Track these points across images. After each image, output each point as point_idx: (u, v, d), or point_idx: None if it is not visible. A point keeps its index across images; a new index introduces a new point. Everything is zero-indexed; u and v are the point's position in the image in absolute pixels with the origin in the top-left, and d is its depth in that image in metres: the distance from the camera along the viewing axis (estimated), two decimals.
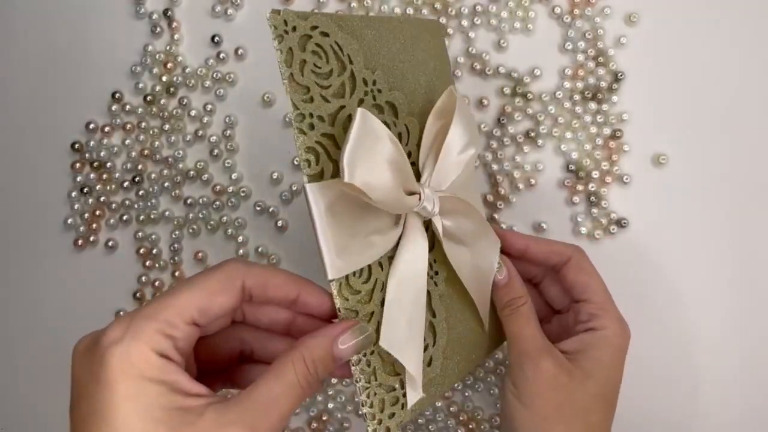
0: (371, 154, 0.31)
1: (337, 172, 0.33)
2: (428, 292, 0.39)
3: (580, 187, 0.52)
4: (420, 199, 0.35)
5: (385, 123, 0.35)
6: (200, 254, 0.53)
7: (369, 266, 0.34)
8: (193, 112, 0.52)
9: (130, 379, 0.27)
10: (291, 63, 0.32)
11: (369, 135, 0.31)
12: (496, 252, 0.42)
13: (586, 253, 0.45)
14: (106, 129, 0.53)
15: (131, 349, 0.27)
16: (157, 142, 0.53)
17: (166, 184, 0.53)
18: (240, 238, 0.53)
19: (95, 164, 0.53)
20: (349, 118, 0.33)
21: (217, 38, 0.53)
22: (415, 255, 0.36)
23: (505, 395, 0.42)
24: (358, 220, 0.33)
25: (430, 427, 0.53)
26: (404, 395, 0.35)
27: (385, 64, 0.37)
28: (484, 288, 0.42)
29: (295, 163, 0.52)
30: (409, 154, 0.38)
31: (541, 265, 0.46)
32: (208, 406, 0.28)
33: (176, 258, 0.53)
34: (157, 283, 0.53)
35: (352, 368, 0.33)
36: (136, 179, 0.53)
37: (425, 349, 0.38)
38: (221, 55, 0.52)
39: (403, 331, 0.34)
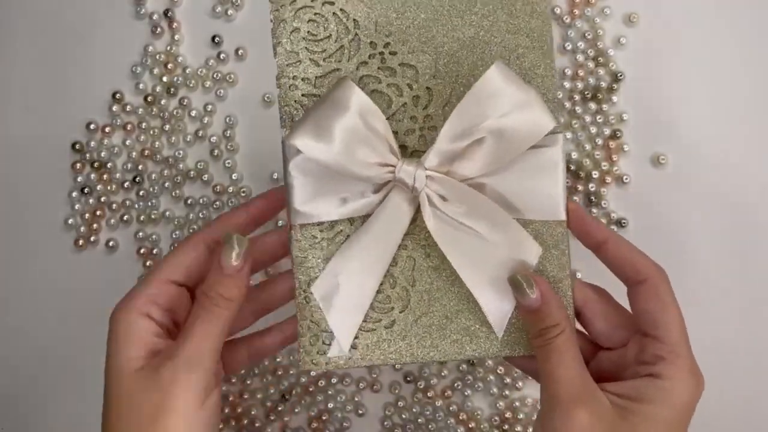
0: (324, 121, 0.34)
1: None
2: (414, 259, 0.38)
3: (579, 187, 0.52)
4: (393, 174, 0.36)
5: (397, 86, 0.37)
6: None
7: (336, 220, 0.38)
8: (193, 113, 0.53)
9: (115, 338, 0.36)
10: (281, 33, 0.37)
11: (333, 103, 0.35)
12: (524, 257, 0.37)
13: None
14: (107, 129, 0.53)
15: (117, 314, 0.37)
16: (157, 143, 0.53)
17: (166, 184, 0.53)
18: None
19: (95, 164, 0.53)
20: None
21: (217, 38, 0.53)
22: (386, 225, 0.37)
23: None
24: (331, 180, 0.37)
25: (430, 426, 0.53)
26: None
27: (413, 26, 0.37)
28: (496, 287, 0.37)
29: None
30: (428, 117, 0.37)
31: (611, 270, 0.38)
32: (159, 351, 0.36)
33: None
34: None
35: (295, 301, 0.38)
36: (137, 179, 0.53)
37: (389, 311, 0.38)
38: (221, 56, 0.52)
39: (345, 288, 0.37)
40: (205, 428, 0.35)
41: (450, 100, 0.37)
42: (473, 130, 0.34)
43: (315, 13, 0.37)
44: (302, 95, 0.37)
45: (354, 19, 0.37)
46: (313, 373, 0.53)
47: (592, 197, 0.52)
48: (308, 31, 0.37)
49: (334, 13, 0.37)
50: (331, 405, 0.53)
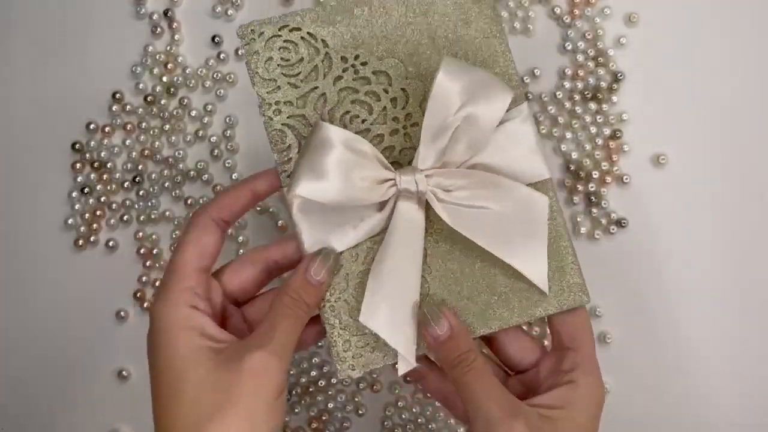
0: (317, 164, 0.36)
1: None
2: (425, 249, 0.39)
3: (579, 187, 0.52)
4: (395, 187, 0.37)
5: (374, 93, 0.39)
6: None
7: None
8: (193, 113, 0.53)
9: (174, 331, 0.36)
10: (256, 64, 0.39)
11: (317, 145, 0.36)
12: (534, 211, 0.39)
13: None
14: (107, 129, 0.53)
15: (172, 311, 0.37)
16: (157, 143, 0.53)
17: (166, 184, 0.53)
18: (240, 238, 0.53)
19: (95, 164, 0.53)
20: (322, 98, 0.39)
21: (217, 38, 0.53)
22: (405, 235, 0.38)
23: None
24: (335, 214, 0.38)
25: (430, 426, 0.53)
26: (375, 340, 0.39)
27: (376, 35, 0.39)
28: (526, 250, 0.38)
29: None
30: (409, 116, 0.39)
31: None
32: (228, 345, 0.36)
33: None
34: (157, 283, 0.53)
35: (321, 311, 0.39)
36: (137, 179, 0.53)
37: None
38: (221, 56, 0.52)
39: (388, 308, 0.37)
40: (279, 417, 0.36)
41: (426, 96, 0.39)
42: (445, 125, 0.37)
43: (284, 41, 0.39)
44: (288, 117, 0.39)
45: (322, 40, 0.39)
46: (313, 373, 0.53)
47: (592, 197, 0.52)
48: (281, 58, 0.39)
49: (302, 38, 0.39)
50: (331, 405, 0.53)
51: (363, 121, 0.39)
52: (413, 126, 0.39)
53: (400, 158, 0.39)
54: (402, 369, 0.38)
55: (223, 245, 0.40)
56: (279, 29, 0.39)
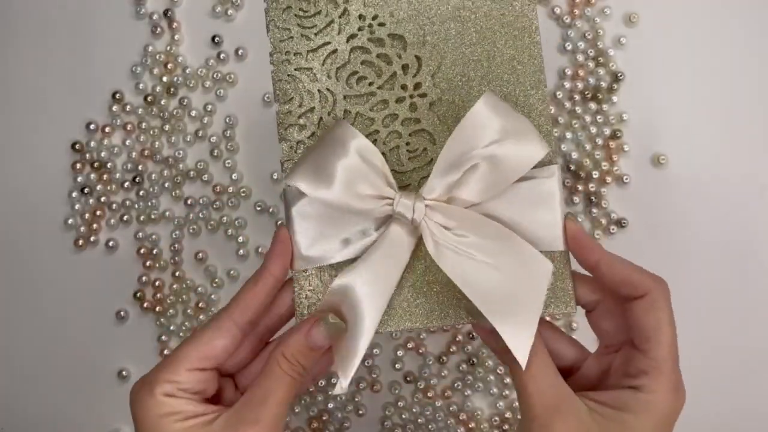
0: (323, 161, 0.35)
1: (310, 100, 0.39)
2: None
3: (579, 187, 0.52)
4: (392, 205, 0.36)
5: (386, 56, 0.39)
6: (200, 254, 0.53)
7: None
8: (193, 112, 0.53)
9: (148, 418, 0.35)
10: (274, 11, 0.39)
11: (332, 144, 0.36)
12: (536, 275, 0.35)
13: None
14: (107, 129, 0.53)
15: (145, 397, 0.36)
16: (157, 142, 0.53)
17: (166, 184, 0.53)
18: (240, 238, 0.53)
19: (95, 164, 0.53)
20: (334, 54, 0.39)
21: (217, 38, 0.53)
22: (386, 257, 0.36)
23: None
24: (332, 222, 0.37)
25: (430, 426, 0.53)
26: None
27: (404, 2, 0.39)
28: (513, 313, 0.35)
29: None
30: (418, 85, 0.39)
31: (608, 290, 0.38)
32: (217, 416, 0.35)
33: (176, 258, 0.53)
34: (157, 283, 0.53)
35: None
36: (137, 179, 0.53)
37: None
38: (221, 56, 0.52)
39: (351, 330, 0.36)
40: None
41: (439, 70, 0.39)
42: (466, 158, 0.35)
43: None
44: (295, 69, 0.39)
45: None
46: None
47: (592, 197, 0.52)
48: (299, 8, 0.39)
49: None
50: (331, 405, 0.53)
51: (370, 84, 0.39)
52: (421, 96, 0.39)
53: (402, 129, 0.39)
54: (339, 389, 0.36)
55: (241, 345, 0.38)
56: None
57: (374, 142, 0.38)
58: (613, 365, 0.37)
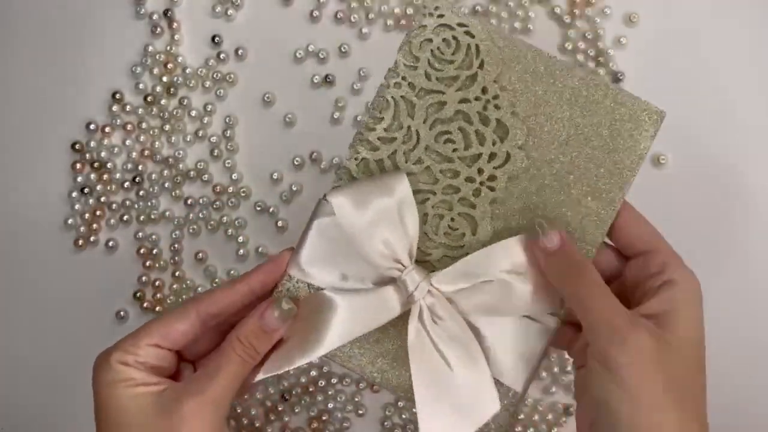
0: (366, 195, 0.37)
1: (397, 130, 0.39)
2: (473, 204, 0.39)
3: None
4: (398, 276, 0.37)
5: (482, 136, 0.39)
6: (200, 254, 0.53)
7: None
8: (193, 112, 0.53)
9: (102, 384, 0.37)
10: (416, 36, 0.39)
11: (381, 184, 0.37)
12: (482, 404, 0.38)
13: None
14: (107, 129, 0.53)
15: (101, 365, 0.38)
16: (157, 142, 0.53)
17: (166, 184, 0.53)
18: (240, 238, 0.53)
19: (95, 164, 0.53)
20: (441, 104, 0.39)
21: (217, 38, 0.53)
22: (368, 312, 0.37)
23: (600, 385, 0.34)
24: (341, 254, 0.38)
25: None
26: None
27: (526, 92, 0.39)
28: (448, 417, 0.37)
29: (296, 163, 0.52)
30: (492, 178, 0.39)
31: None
32: (167, 387, 0.36)
33: (176, 258, 0.53)
34: (157, 283, 0.53)
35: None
36: (137, 179, 0.53)
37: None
38: (221, 55, 0.52)
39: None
40: None
41: (518, 177, 0.39)
42: (483, 272, 0.37)
43: (453, 36, 0.38)
44: (401, 96, 0.39)
45: (482, 60, 0.38)
46: (313, 373, 0.53)
47: None
48: (438, 47, 0.39)
49: (468, 45, 0.38)
50: (331, 405, 0.53)
51: (454, 150, 0.39)
52: (489, 189, 0.39)
53: (455, 205, 0.39)
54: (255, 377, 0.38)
55: (199, 336, 0.39)
56: (458, 24, 0.39)
57: (425, 200, 0.39)
58: (625, 285, 0.38)
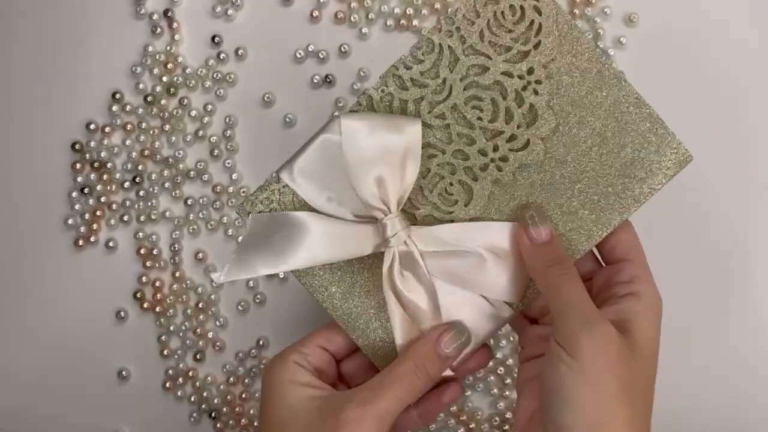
0: (379, 128, 0.36)
1: (433, 78, 0.38)
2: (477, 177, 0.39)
3: None
4: (380, 218, 0.37)
5: (511, 113, 0.38)
6: (200, 254, 0.53)
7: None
8: (193, 112, 0.53)
9: (277, 380, 0.38)
10: None
11: (394, 123, 0.37)
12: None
13: None
14: (107, 129, 0.53)
15: (278, 363, 0.39)
16: (157, 142, 0.53)
17: (166, 184, 0.53)
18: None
19: (95, 164, 0.53)
20: (483, 69, 0.37)
21: (217, 38, 0.53)
22: (337, 244, 0.38)
23: (559, 370, 0.34)
24: (333, 174, 0.38)
25: (430, 426, 0.53)
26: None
27: (565, 85, 0.38)
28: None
29: None
30: (504, 159, 0.38)
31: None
32: (332, 393, 0.38)
33: (176, 258, 0.53)
34: (157, 283, 0.53)
35: None
36: (137, 179, 0.53)
37: (453, 204, 0.39)
38: (221, 56, 0.52)
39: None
40: None
41: (530, 165, 0.38)
42: (467, 244, 0.38)
43: (520, 6, 0.37)
44: (449, 46, 0.37)
45: (540, 40, 0.37)
46: None
47: None
48: (502, 12, 0.37)
49: (532, 21, 0.37)
50: None
51: (478, 119, 0.38)
52: (497, 168, 0.38)
53: (460, 171, 0.38)
54: (216, 278, 0.38)
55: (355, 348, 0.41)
56: None
57: (432, 156, 0.38)
58: (594, 287, 0.40)
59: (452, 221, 0.39)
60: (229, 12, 0.52)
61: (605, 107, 0.38)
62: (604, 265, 0.41)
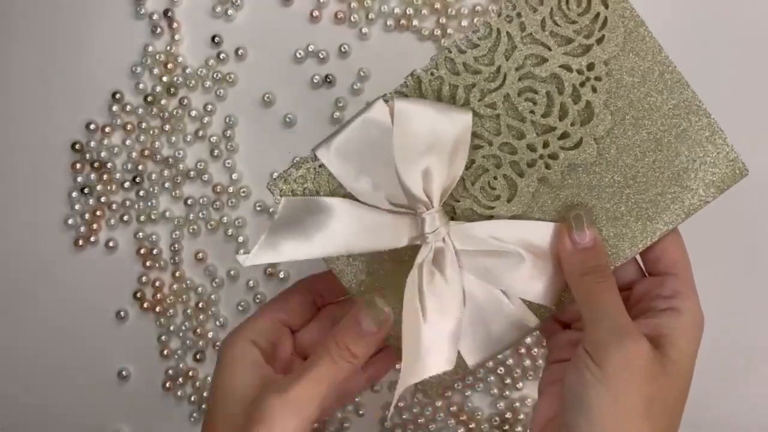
0: (432, 121, 0.34)
1: (488, 64, 0.36)
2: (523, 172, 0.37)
3: None
4: (421, 211, 0.36)
5: (566, 109, 0.36)
6: (200, 254, 0.53)
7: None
8: (193, 112, 0.53)
9: (231, 354, 0.39)
10: None
11: (448, 111, 0.35)
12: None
13: None
14: (107, 129, 0.53)
15: (233, 340, 0.39)
16: (157, 142, 0.53)
17: (166, 184, 0.53)
18: (240, 238, 0.53)
19: (95, 164, 0.53)
20: (541, 60, 0.36)
21: (217, 38, 0.53)
22: (370, 233, 0.37)
23: (583, 376, 0.33)
24: (375, 161, 0.36)
25: (430, 427, 0.53)
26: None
27: (625, 85, 0.36)
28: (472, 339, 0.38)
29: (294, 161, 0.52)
30: (554, 156, 0.37)
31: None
32: (268, 377, 0.38)
33: (176, 258, 0.53)
34: (157, 283, 0.53)
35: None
36: (137, 179, 0.53)
37: (495, 199, 0.37)
38: (221, 56, 0.52)
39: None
40: None
41: (580, 166, 0.37)
42: (506, 243, 0.36)
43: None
44: (507, 32, 0.36)
45: (604, 35, 0.36)
46: None
47: None
48: (567, 1, 0.36)
49: (597, 14, 0.35)
50: None
51: (531, 112, 0.36)
52: (545, 166, 0.37)
53: (506, 165, 0.37)
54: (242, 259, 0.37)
55: (310, 315, 0.42)
56: None
57: (477, 147, 0.37)
58: (633, 297, 0.38)
59: (492, 217, 0.37)
60: (229, 12, 0.52)
61: (663, 111, 0.37)
62: (647, 275, 0.39)
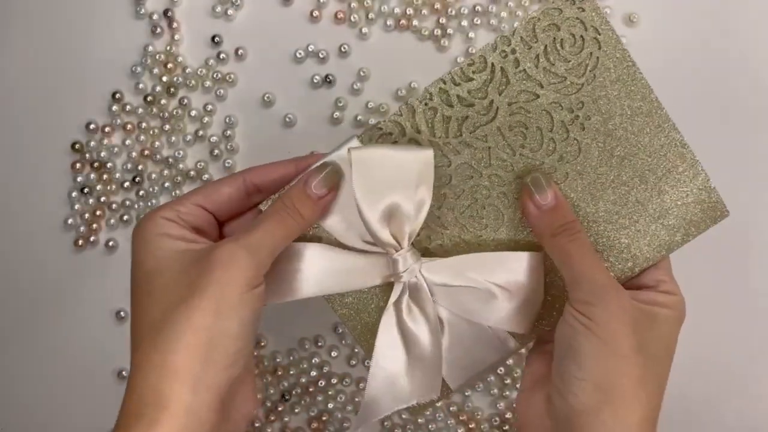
0: (399, 157, 0.36)
1: (481, 99, 0.37)
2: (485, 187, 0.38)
3: None
4: (394, 249, 0.37)
5: (554, 146, 0.37)
6: None
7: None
8: (193, 113, 0.53)
9: (144, 235, 0.37)
10: (547, 15, 0.36)
11: (410, 155, 0.36)
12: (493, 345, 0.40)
13: None
14: (107, 129, 0.53)
15: (146, 220, 0.37)
16: (157, 143, 0.53)
17: (166, 185, 0.53)
18: None
19: (95, 164, 0.53)
20: (533, 96, 0.37)
21: (217, 38, 0.53)
22: (346, 275, 0.38)
23: (573, 327, 0.34)
24: (351, 201, 0.37)
25: (430, 426, 0.53)
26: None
27: (614, 124, 0.37)
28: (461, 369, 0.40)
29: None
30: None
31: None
32: (206, 245, 0.36)
33: None
34: None
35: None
36: (137, 179, 0.53)
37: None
38: (221, 56, 0.52)
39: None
40: (251, 311, 0.34)
41: (566, 198, 0.37)
42: (479, 279, 0.37)
43: (581, 36, 0.36)
44: (501, 67, 0.37)
45: (595, 74, 0.37)
46: (313, 373, 0.53)
47: None
48: (562, 40, 0.37)
49: (590, 53, 0.37)
50: (331, 405, 0.53)
51: (521, 146, 0.37)
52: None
53: (495, 196, 0.38)
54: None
55: (241, 204, 0.40)
56: (592, 26, 0.36)
57: (467, 177, 0.38)
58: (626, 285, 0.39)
59: (479, 244, 0.38)
60: (229, 12, 0.52)
61: (650, 151, 0.37)
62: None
